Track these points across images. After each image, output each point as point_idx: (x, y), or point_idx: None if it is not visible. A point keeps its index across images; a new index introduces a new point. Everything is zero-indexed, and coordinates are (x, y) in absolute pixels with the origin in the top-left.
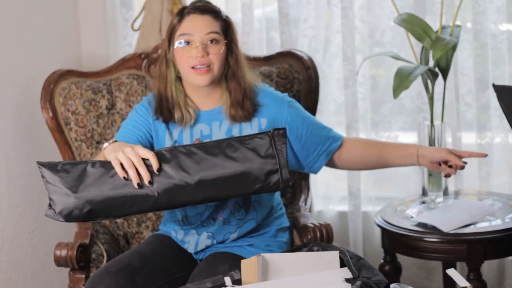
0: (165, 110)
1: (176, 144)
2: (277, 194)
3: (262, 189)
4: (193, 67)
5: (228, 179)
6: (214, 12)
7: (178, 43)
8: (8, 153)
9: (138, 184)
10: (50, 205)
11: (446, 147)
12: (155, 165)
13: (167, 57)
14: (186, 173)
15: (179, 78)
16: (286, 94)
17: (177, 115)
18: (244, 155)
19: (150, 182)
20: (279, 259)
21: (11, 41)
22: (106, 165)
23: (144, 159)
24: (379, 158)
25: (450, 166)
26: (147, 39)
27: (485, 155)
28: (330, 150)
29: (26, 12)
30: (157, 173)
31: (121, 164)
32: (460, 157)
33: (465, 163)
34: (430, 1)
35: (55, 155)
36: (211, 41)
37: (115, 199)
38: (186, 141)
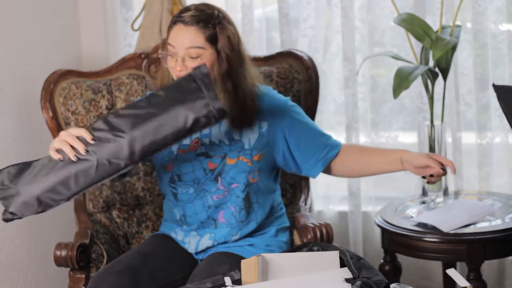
0: None
1: None
2: (277, 195)
3: (198, 123)
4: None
5: (161, 122)
6: (200, 22)
7: (164, 52)
8: (8, 153)
9: (76, 157)
10: (5, 209)
11: (446, 147)
12: (87, 136)
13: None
14: (119, 131)
15: None
16: (288, 98)
17: None
18: (171, 97)
19: (86, 151)
20: (279, 259)
21: (11, 41)
22: (48, 157)
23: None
24: (368, 165)
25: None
26: (147, 39)
27: (454, 173)
28: (328, 158)
29: (26, 12)
30: (92, 142)
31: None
32: (440, 162)
33: (445, 170)
34: (430, 1)
35: None
36: (192, 56)
37: (58, 180)
38: (186, 139)
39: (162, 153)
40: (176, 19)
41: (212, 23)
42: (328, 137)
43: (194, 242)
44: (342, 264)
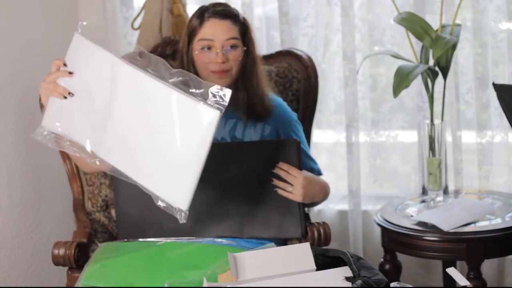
0: None
1: None
2: None
3: None
4: (213, 71)
5: None
6: (233, 16)
7: (199, 48)
8: (8, 152)
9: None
10: None
11: (446, 146)
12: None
13: (187, 57)
14: None
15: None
16: (296, 114)
17: None
18: None
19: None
20: (250, 257)
21: (11, 40)
22: None
23: None
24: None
25: None
26: (147, 38)
27: None
28: None
29: (26, 11)
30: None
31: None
32: None
33: None
34: (430, 0)
35: (54, 154)
36: (231, 46)
37: None
38: None
39: None
40: (209, 15)
41: (239, 17)
42: (315, 162)
43: None
44: (343, 263)
